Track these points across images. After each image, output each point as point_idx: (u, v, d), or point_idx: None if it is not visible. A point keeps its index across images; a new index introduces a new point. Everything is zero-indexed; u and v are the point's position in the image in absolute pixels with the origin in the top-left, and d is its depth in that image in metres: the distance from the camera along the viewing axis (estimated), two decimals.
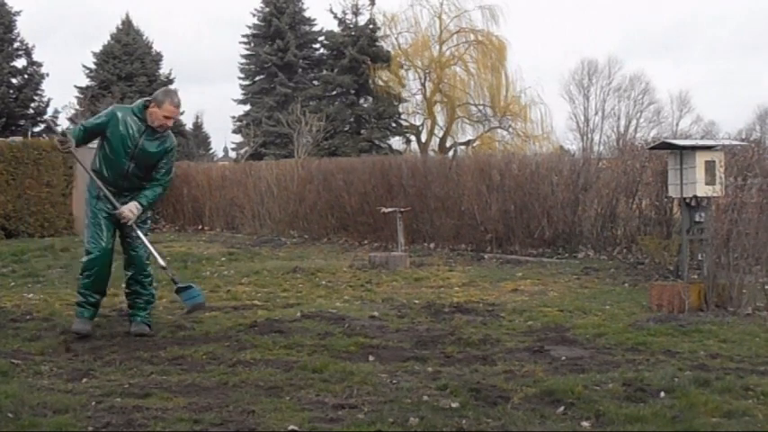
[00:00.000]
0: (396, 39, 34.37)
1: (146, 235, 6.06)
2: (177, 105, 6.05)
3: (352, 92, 32.64)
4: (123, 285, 6.23)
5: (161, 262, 6.11)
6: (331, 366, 4.78)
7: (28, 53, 30.69)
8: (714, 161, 8.17)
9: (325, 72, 33.90)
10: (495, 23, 33.65)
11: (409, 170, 14.53)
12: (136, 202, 5.91)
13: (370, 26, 32.95)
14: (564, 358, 5.14)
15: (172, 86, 5.81)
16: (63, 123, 31.05)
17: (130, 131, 5.89)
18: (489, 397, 4.10)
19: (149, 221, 6.34)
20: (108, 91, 28.63)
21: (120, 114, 5.93)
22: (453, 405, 3.95)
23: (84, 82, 32.47)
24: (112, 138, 5.88)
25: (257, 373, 4.67)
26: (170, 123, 6.00)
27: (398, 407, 3.91)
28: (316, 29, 35.56)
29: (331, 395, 4.18)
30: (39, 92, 30.82)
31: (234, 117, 35.78)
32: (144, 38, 33.74)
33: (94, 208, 5.97)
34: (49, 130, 5.83)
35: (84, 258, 5.97)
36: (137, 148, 5.90)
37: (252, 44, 35.44)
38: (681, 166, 8.38)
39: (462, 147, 33.22)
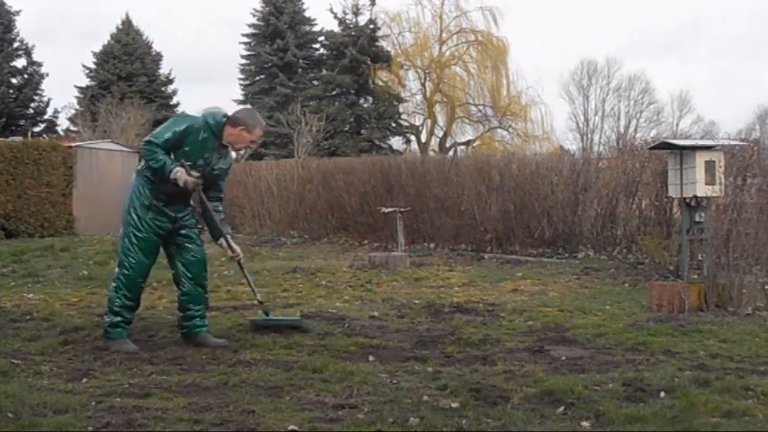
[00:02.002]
0: (396, 39, 34.43)
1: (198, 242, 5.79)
2: (263, 129, 5.79)
3: (353, 92, 32.64)
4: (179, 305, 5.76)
5: (258, 296, 6.04)
6: (331, 366, 4.77)
7: (28, 53, 30.76)
8: (714, 161, 8.17)
9: (325, 72, 33.91)
10: (496, 24, 33.71)
11: (409, 170, 14.54)
12: (228, 235, 5.76)
13: (371, 26, 32.95)
14: (564, 358, 5.14)
15: (244, 108, 5.53)
16: (63, 123, 31.15)
17: (206, 149, 5.45)
18: (489, 397, 4.10)
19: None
20: (108, 91, 28.63)
21: (196, 127, 5.44)
22: (453, 405, 3.95)
23: (84, 82, 32.54)
24: (190, 153, 5.39)
25: (257, 373, 4.67)
26: (254, 147, 5.74)
27: (398, 407, 3.91)
28: (316, 29, 35.58)
29: (331, 395, 4.18)
30: (39, 92, 30.87)
31: None
32: (144, 38, 33.80)
33: (143, 218, 5.48)
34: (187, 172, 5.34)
35: (122, 274, 5.49)
36: (208, 167, 5.50)
37: (252, 44, 35.45)
38: (681, 166, 8.38)
39: (462, 147, 33.25)
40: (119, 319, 5.50)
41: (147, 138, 5.50)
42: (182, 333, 5.71)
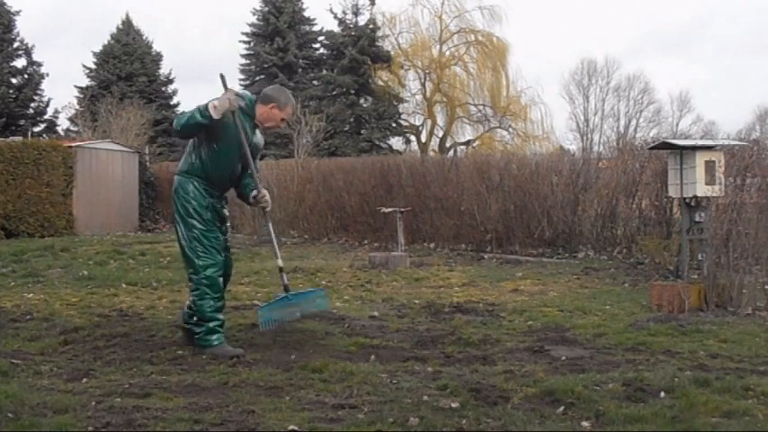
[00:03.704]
0: (396, 39, 34.42)
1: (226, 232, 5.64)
2: (294, 108, 5.68)
3: (353, 92, 32.63)
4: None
5: (279, 262, 5.69)
6: (331, 366, 4.77)
7: (28, 53, 30.71)
8: (714, 161, 8.18)
9: (325, 72, 33.90)
10: (496, 24, 33.77)
11: (408, 170, 14.55)
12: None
13: (371, 26, 32.95)
14: (564, 358, 5.13)
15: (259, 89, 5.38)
16: (63, 123, 31.14)
17: (244, 129, 5.35)
18: (489, 397, 4.10)
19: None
20: (108, 91, 28.62)
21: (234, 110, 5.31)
22: (453, 405, 3.94)
23: (85, 82, 32.52)
24: (228, 136, 5.28)
25: (257, 373, 4.67)
26: (283, 126, 5.60)
27: (398, 407, 3.91)
28: (316, 29, 35.56)
29: (331, 395, 4.18)
30: (39, 92, 30.82)
31: None
32: (144, 38, 33.76)
33: (206, 218, 5.38)
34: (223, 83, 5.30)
35: (204, 278, 5.32)
36: (250, 147, 5.39)
37: (252, 44, 35.43)
38: (681, 166, 8.39)
39: (462, 147, 33.24)
40: (214, 323, 5.32)
41: (180, 113, 5.33)
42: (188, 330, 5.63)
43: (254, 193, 5.54)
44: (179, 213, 5.45)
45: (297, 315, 5.60)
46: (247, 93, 5.56)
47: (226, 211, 5.62)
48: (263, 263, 11.03)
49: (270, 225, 5.75)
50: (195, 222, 5.37)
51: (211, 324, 5.32)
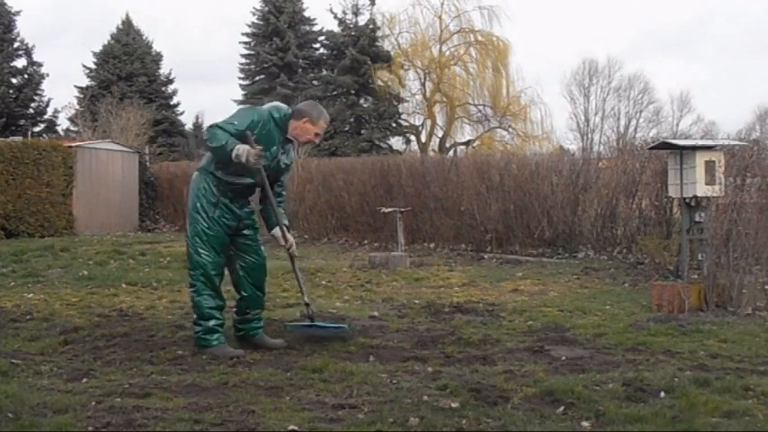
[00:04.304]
0: (396, 39, 34.42)
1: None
2: (327, 122, 5.63)
3: (353, 92, 32.64)
4: (237, 306, 5.61)
5: (306, 298, 5.69)
6: (331, 366, 4.77)
7: (28, 53, 30.72)
8: (714, 161, 8.18)
9: (325, 72, 33.91)
10: (496, 24, 33.77)
11: (408, 170, 14.55)
12: (285, 226, 5.54)
13: (371, 26, 32.95)
14: (564, 358, 5.13)
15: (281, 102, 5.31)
16: (63, 123, 31.13)
17: (272, 142, 5.32)
18: (489, 397, 4.10)
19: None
20: (108, 91, 28.62)
21: (265, 120, 5.31)
22: (453, 405, 3.94)
23: (85, 82, 32.52)
24: (256, 145, 5.19)
25: (257, 373, 4.67)
26: (317, 140, 5.58)
27: (398, 407, 3.91)
28: (316, 29, 35.57)
29: (331, 395, 4.18)
30: (39, 92, 30.83)
31: None
32: (144, 38, 33.78)
33: (211, 215, 5.34)
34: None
35: (201, 274, 5.32)
36: (274, 160, 5.37)
37: (252, 44, 35.45)
38: (681, 166, 8.39)
39: (462, 147, 33.24)
40: (212, 322, 5.30)
41: (212, 123, 5.30)
42: (238, 335, 5.61)
43: (275, 230, 5.53)
44: (188, 207, 5.46)
45: (320, 336, 5.67)
46: (283, 106, 5.52)
47: (248, 213, 5.53)
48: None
49: (295, 266, 5.72)
50: (199, 218, 5.35)
51: (210, 323, 5.30)
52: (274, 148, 5.35)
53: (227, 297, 5.59)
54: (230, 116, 5.38)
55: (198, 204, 5.37)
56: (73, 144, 17.80)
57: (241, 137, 5.16)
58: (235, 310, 5.64)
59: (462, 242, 13.20)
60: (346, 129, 32.24)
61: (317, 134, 5.52)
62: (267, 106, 5.52)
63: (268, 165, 5.31)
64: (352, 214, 14.80)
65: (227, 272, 5.56)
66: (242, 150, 5.06)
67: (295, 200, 15.94)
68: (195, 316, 5.38)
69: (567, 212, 12.10)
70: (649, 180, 10.70)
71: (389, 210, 12.72)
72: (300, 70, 35.16)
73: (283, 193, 5.75)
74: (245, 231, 5.52)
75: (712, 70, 62.05)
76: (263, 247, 5.62)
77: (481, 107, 34.19)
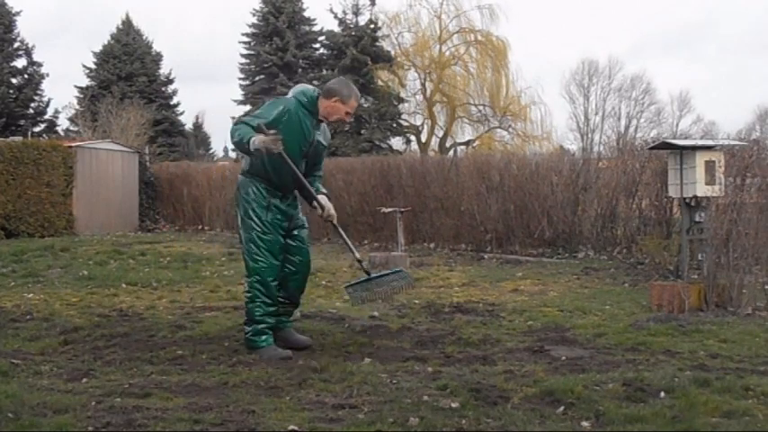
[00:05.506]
0: (396, 39, 34.44)
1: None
2: (358, 100, 5.52)
3: None
4: (282, 299, 5.51)
5: (356, 254, 5.61)
6: (331, 366, 4.78)
7: (28, 53, 30.72)
8: (714, 161, 8.17)
9: (325, 72, 33.89)
10: (496, 23, 33.79)
11: (408, 170, 14.54)
12: (325, 196, 5.42)
13: (371, 26, 32.95)
14: (564, 358, 5.13)
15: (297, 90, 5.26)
16: (63, 123, 31.13)
17: (305, 128, 5.25)
18: (489, 397, 4.09)
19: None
20: (108, 91, 28.62)
21: (292, 109, 5.23)
22: (453, 405, 3.94)
23: (85, 82, 32.52)
24: (287, 137, 5.10)
25: (257, 373, 4.67)
26: (349, 119, 5.47)
27: (398, 407, 3.91)
28: (316, 29, 35.57)
29: (331, 395, 4.18)
30: (39, 92, 30.83)
31: (234, 118, 35.73)
32: (144, 38, 33.77)
33: (264, 220, 5.29)
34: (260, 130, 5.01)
35: (256, 282, 5.29)
36: (311, 145, 5.32)
37: (252, 44, 35.45)
38: (681, 166, 8.38)
39: (462, 147, 33.24)
40: (262, 326, 5.30)
41: (238, 118, 5.20)
42: None
43: (315, 203, 5.41)
44: (240, 214, 5.41)
45: (385, 290, 5.59)
46: (309, 88, 5.42)
47: (298, 212, 5.52)
48: None
49: (340, 230, 5.60)
50: (253, 224, 5.30)
51: (260, 326, 5.30)
52: (308, 133, 5.28)
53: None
54: (258, 111, 5.32)
55: (249, 210, 5.31)
56: (73, 144, 17.79)
57: (274, 128, 5.05)
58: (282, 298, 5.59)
59: (462, 242, 13.20)
60: (346, 129, 32.17)
61: (347, 113, 5.39)
62: (292, 92, 5.44)
63: (307, 150, 5.28)
64: (352, 214, 14.78)
65: None
66: (258, 141, 4.97)
67: None
68: (246, 318, 5.37)
69: (567, 212, 12.09)
70: (649, 180, 10.70)
71: (389, 210, 12.71)
72: (300, 70, 35.13)
73: (321, 174, 5.62)
74: (296, 232, 5.50)
75: (712, 70, 62.14)
76: (310, 248, 5.61)
77: (481, 107, 34.22)
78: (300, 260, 5.52)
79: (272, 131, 5.01)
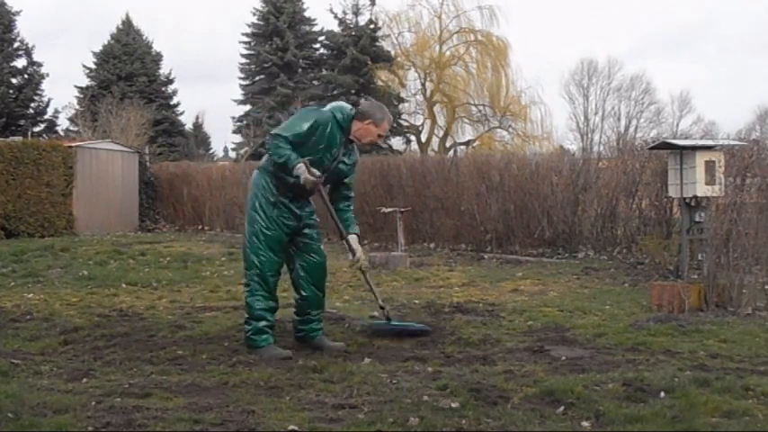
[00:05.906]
0: (396, 39, 34.42)
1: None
2: (391, 123, 5.60)
3: (353, 92, 32.59)
4: (296, 309, 5.62)
5: (380, 301, 5.75)
6: (331, 366, 4.78)
7: (28, 53, 30.70)
8: (714, 161, 8.18)
9: (325, 72, 33.90)
10: (495, 23, 33.72)
11: (408, 170, 14.54)
12: (356, 236, 5.50)
13: (371, 26, 32.94)
14: (564, 358, 5.13)
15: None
16: (63, 123, 31.12)
17: (334, 144, 5.29)
18: (489, 397, 4.09)
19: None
20: (108, 91, 28.61)
21: (326, 122, 5.26)
22: (453, 405, 3.94)
23: (85, 82, 32.50)
24: (316, 147, 5.20)
25: (257, 373, 4.67)
26: (380, 142, 5.52)
27: (398, 407, 3.91)
28: (316, 29, 35.57)
29: (331, 395, 4.18)
30: (39, 92, 30.81)
31: (234, 117, 35.80)
32: (144, 38, 33.76)
33: (270, 215, 5.32)
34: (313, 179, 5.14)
35: (255, 275, 5.32)
36: (334, 162, 5.33)
37: (252, 44, 35.46)
38: (681, 166, 8.38)
39: (462, 147, 33.23)
40: (263, 323, 5.29)
41: (273, 131, 5.28)
42: (297, 336, 5.59)
43: (350, 257, 5.52)
44: (247, 206, 5.46)
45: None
46: (346, 106, 5.45)
47: (310, 212, 5.52)
48: None
49: (366, 276, 5.71)
50: (258, 217, 5.33)
51: (260, 324, 5.29)
52: (335, 149, 5.31)
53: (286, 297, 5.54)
54: (291, 120, 5.35)
55: (256, 203, 5.35)
56: (73, 144, 17.79)
57: (304, 138, 5.16)
58: (295, 310, 5.64)
59: (462, 242, 13.20)
60: None
61: (379, 135, 5.47)
62: (330, 107, 5.47)
63: (329, 166, 5.30)
64: None
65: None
66: (303, 177, 5.06)
67: None
68: (246, 315, 5.38)
69: (567, 212, 12.10)
70: (649, 180, 10.70)
71: (389, 210, 12.72)
72: (300, 70, 35.15)
73: (350, 196, 5.62)
74: (306, 230, 5.50)
75: (712, 70, 62.12)
76: (323, 247, 5.62)
77: (481, 107, 34.19)
78: (314, 260, 5.51)
79: (317, 174, 5.10)
